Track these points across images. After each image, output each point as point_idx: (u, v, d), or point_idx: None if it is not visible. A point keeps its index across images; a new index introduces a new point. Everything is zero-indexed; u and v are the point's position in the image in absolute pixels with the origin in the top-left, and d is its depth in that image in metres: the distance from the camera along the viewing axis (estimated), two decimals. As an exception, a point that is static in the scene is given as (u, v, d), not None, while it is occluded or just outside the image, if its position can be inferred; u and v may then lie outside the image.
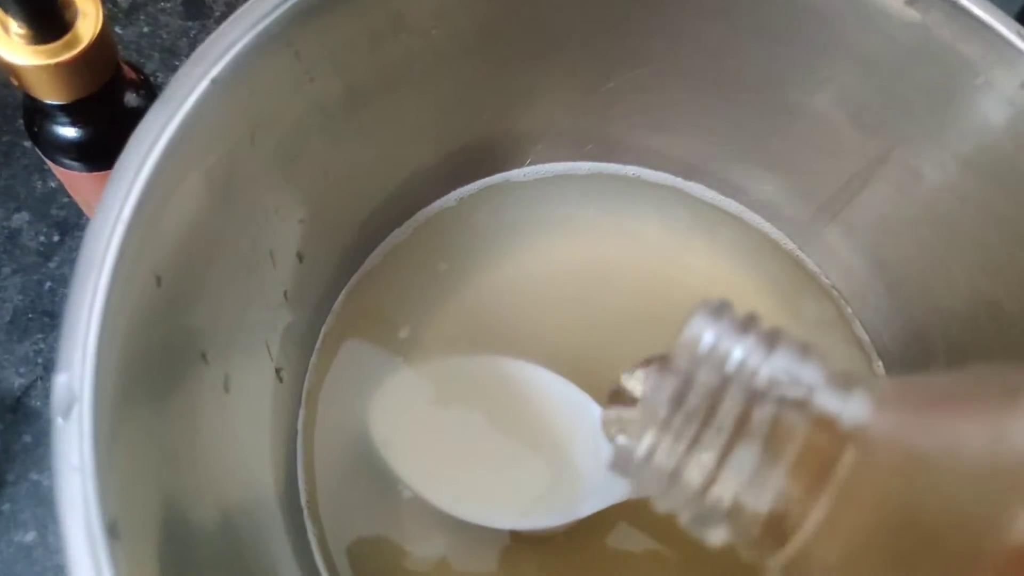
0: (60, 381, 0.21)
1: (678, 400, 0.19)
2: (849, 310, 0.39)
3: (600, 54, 0.35)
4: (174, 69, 0.43)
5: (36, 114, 0.31)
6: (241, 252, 0.29)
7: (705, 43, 0.34)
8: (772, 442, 0.18)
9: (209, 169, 0.26)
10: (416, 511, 0.34)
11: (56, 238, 0.41)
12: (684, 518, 0.20)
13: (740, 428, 0.18)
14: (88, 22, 0.28)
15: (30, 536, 0.36)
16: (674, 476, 0.19)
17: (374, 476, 0.34)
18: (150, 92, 0.32)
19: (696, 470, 0.19)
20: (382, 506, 0.34)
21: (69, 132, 0.31)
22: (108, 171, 0.26)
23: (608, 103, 0.37)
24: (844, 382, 0.19)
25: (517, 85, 0.36)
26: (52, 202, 0.42)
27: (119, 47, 0.34)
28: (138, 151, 0.24)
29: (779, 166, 0.38)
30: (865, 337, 0.38)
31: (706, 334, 0.19)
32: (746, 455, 0.18)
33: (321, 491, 0.34)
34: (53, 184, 0.42)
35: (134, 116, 0.25)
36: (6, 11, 0.27)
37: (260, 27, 0.26)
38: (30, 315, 0.40)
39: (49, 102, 0.29)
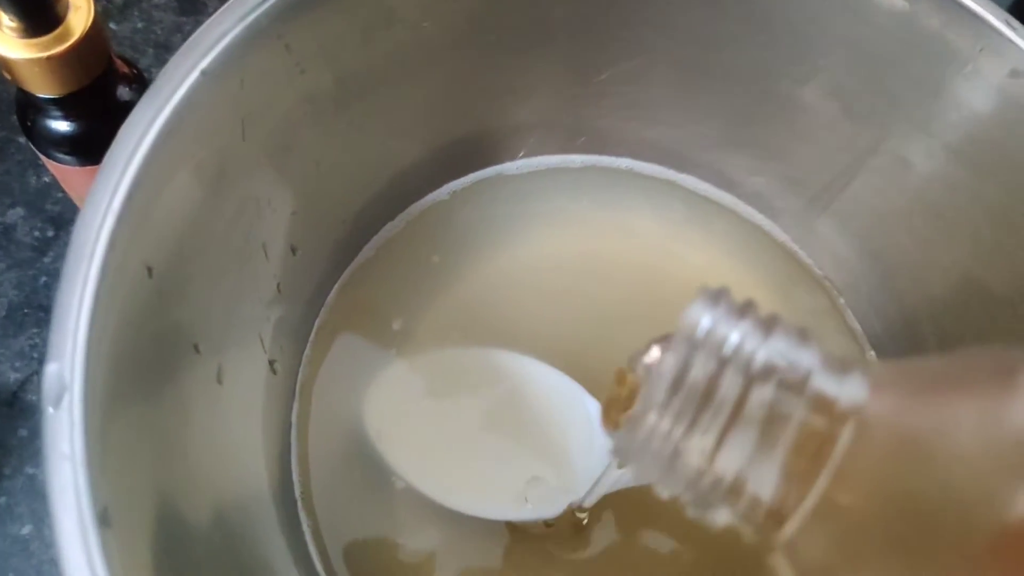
0: (50, 370, 0.21)
1: (676, 383, 0.19)
2: (842, 300, 0.39)
3: (592, 46, 0.35)
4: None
5: (29, 108, 0.31)
6: (234, 244, 0.29)
7: (697, 35, 0.34)
8: (770, 424, 0.18)
9: (200, 160, 0.26)
10: (410, 503, 0.34)
11: (50, 233, 0.41)
12: (686, 501, 0.20)
13: (738, 410, 0.18)
14: (80, 15, 0.28)
15: (26, 529, 0.37)
16: (673, 459, 0.19)
17: (368, 468, 0.34)
18: (143, 86, 0.32)
19: (695, 452, 0.19)
20: (376, 498, 0.34)
21: (62, 126, 0.31)
22: (100, 164, 0.26)
23: (600, 95, 0.37)
24: (841, 365, 0.19)
25: (509, 78, 0.36)
26: (46, 197, 0.42)
27: (113, 42, 0.34)
28: (128, 142, 0.24)
29: (771, 157, 0.38)
30: (858, 327, 0.39)
31: (704, 319, 0.19)
32: (744, 437, 0.18)
33: (315, 483, 0.34)
34: (47, 179, 0.42)
35: (127, 110, 0.25)
36: (-2, 5, 0.27)
37: (250, 19, 0.26)
38: (25, 310, 0.40)
39: (42, 96, 0.30)
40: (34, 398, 0.39)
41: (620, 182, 0.40)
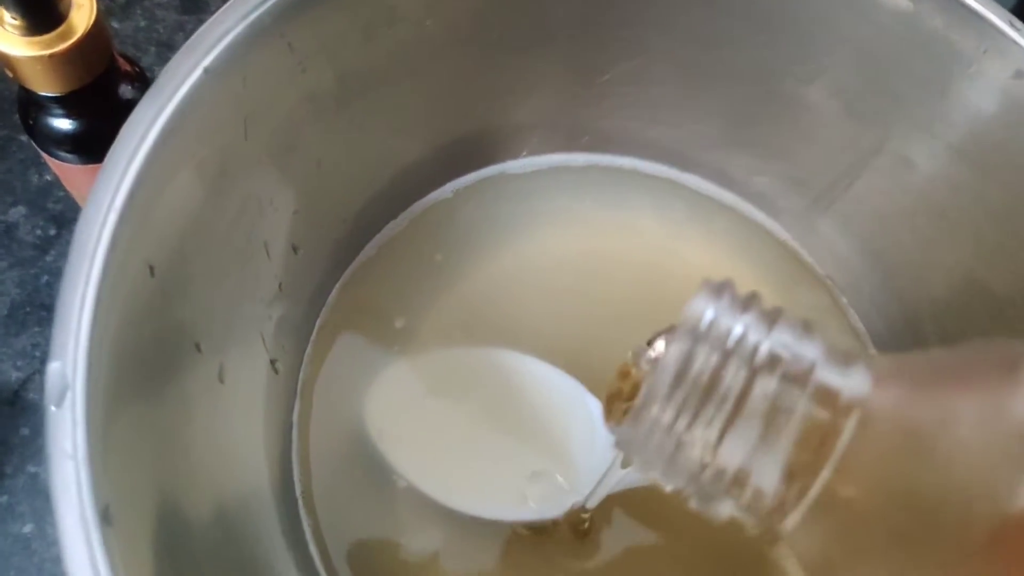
0: (53, 368, 0.21)
1: (680, 375, 0.19)
2: (844, 299, 0.39)
3: (594, 46, 0.35)
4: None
5: (31, 106, 0.31)
6: (235, 243, 0.29)
7: (699, 34, 0.34)
8: (773, 416, 0.18)
9: (202, 159, 0.26)
10: (412, 503, 0.34)
11: (52, 232, 0.41)
12: (689, 494, 0.20)
13: (741, 402, 0.18)
14: (82, 13, 0.28)
15: (28, 528, 0.37)
16: (676, 451, 0.19)
17: (370, 468, 0.34)
18: (145, 84, 0.32)
19: (698, 444, 0.19)
20: (378, 498, 0.34)
21: (64, 124, 0.31)
22: (102, 163, 0.26)
23: (603, 95, 0.37)
24: (844, 358, 0.19)
25: (512, 77, 0.36)
26: (48, 196, 0.42)
27: (115, 41, 0.34)
28: (130, 140, 0.24)
29: (774, 157, 0.38)
30: (860, 326, 0.38)
31: (707, 311, 0.19)
32: (747, 429, 0.18)
33: (316, 483, 0.34)
34: (49, 178, 0.42)
35: (129, 108, 0.24)
36: (0, 3, 0.27)
37: (252, 17, 0.26)
38: (27, 309, 0.40)
39: (44, 94, 0.30)
40: (36, 397, 0.39)
41: (622, 181, 0.40)
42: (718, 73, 0.35)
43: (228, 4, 0.26)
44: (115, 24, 0.45)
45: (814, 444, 0.18)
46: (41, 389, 0.38)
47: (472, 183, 0.40)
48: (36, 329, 0.40)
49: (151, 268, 0.25)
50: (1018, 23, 0.28)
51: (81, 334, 0.21)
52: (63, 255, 0.41)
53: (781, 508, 0.18)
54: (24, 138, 0.42)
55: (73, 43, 0.28)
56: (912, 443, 0.17)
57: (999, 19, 0.28)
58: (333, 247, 0.36)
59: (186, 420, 0.28)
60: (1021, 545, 0.16)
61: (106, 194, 0.23)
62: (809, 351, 0.19)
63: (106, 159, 0.23)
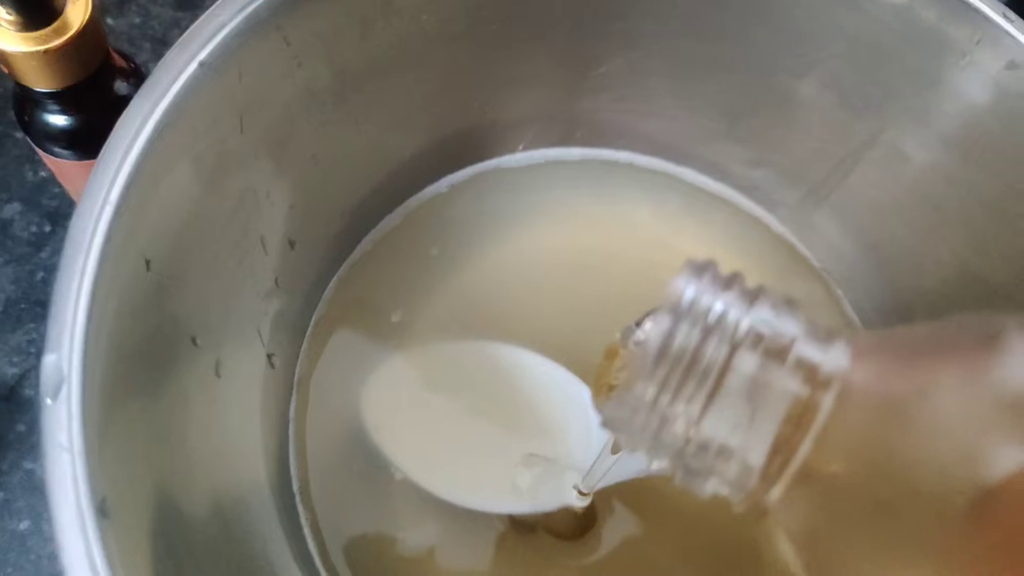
0: (48, 361, 0.21)
1: (662, 352, 0.19)
2: (839, 291, 0.39)
3: (590, 39, 0.35)
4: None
5: (26, 103, 0.31)
6: (232, 237, 0.29)
7: (694, 28, 0.34)
8: (754, 391, 0.18)
9: (198, 153, 0.26)
10: (409, 496, 0.34)
11: (48, 228, 0.41)
12: (673, 469, 0.20)
13: (722, 378, 0.19)
14: (77, 9, 0.28)
15: (24, 524, 0.37)
16: (660, 427, 0.19)
17: (367, 461, 0.34)
18: (140, 80, 0.32)
19: (681, 420, 0.19)
20: (375, 492, 0.34)
21: (59, 120, 0.31)
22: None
23: (598, 88, 0.37)
24: (825, 334, 0.19)
25: (507, 71, 0.36)
26: (43, 192, 0.42)
27: (110, 37, 0.34)
28: (126, 133, 0.24)
29: (769, 150, 0.38)
30: (855, 318, 0.39)
31: (688, 289, 0.19)
32: (729, 404, 0.19)
33: (314, 477, 0.34)
34: (44, 174, 0.42)
35: (124, 104, 0.24)
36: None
37: (249, 10, 0.26)
38: (22, 305, 0.40)
39: (39, 90, 0.30)
40: (32, 393, 0.39)
41: (618, 175, 0.40)
42: (713, 66, 0.35)
43: (224, -3, 0.26)
44: (110, 21, 0.45)
45: (795, 418, 0.18)
46: (37, 385, 0.39)
47: (468, 177, 0.40)
48: (31, 325, 0.40)
49: (147, 262, 0.25)
50: (1011, 14, 0.28)
51: (77, 327, 0.21)
52: (58, 251, 0.41)
53: (764, 481, 0.18)
54: (19, 134, 0.42)
55: (68, 39, 0.28)
56: (892, 413, 0.17)
57: (992, 10, 0.28)
58: (329, 241, 0.36)
59: (183, 414, 0.28)
60: (1001, 512, 0.16)
61: (102, 187, 0.23)
62: (790, 327, 0.19)
63: (102, 152, 0.23)
